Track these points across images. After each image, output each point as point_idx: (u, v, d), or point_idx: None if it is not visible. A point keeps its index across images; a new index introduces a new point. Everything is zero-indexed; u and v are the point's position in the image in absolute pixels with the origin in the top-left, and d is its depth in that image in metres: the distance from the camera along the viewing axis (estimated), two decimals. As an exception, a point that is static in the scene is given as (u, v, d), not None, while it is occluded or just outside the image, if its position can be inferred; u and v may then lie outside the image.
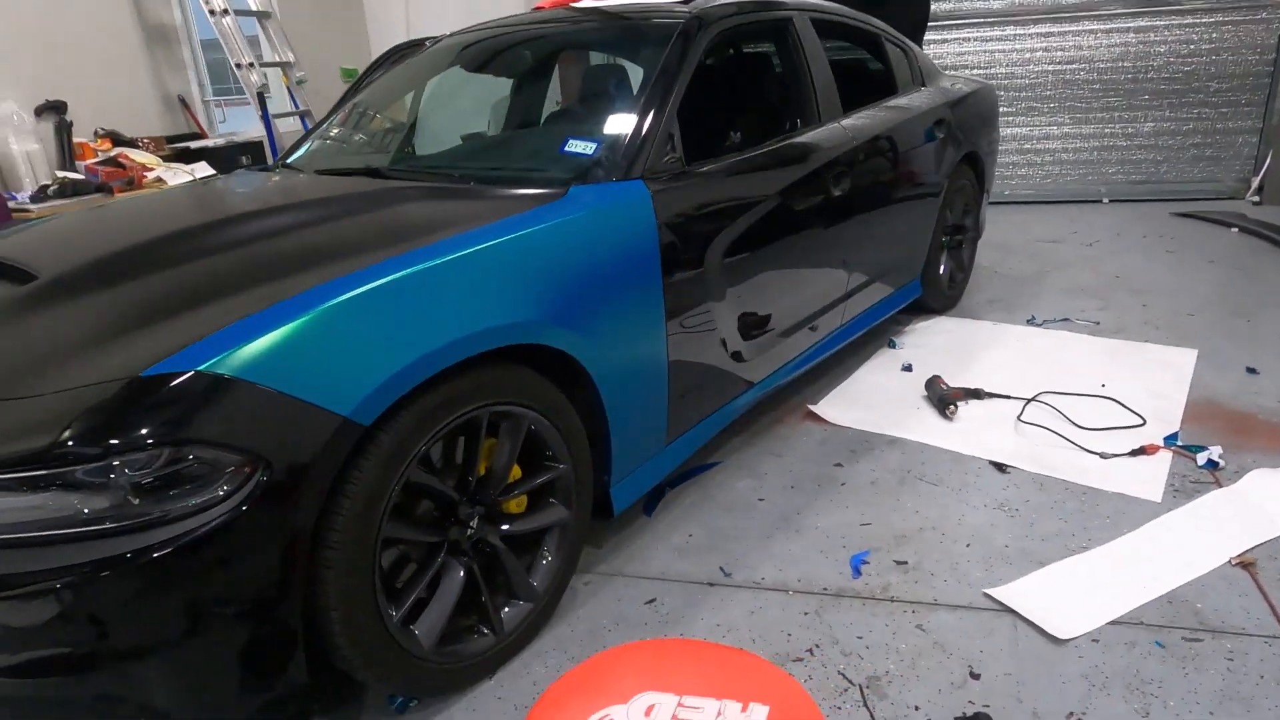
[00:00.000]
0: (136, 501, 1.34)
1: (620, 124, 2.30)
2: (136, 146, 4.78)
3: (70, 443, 1.32)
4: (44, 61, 4.47)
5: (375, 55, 7.18)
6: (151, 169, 4.60)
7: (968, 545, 2.26)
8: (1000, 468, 2.64)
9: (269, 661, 1.49)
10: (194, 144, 5.09)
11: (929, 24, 6.10)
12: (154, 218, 2.18)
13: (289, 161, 2.81)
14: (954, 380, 3.19)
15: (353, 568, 1.53)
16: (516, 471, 1.93)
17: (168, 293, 1.64)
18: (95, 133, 4.74)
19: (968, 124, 3.86)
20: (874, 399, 3.18)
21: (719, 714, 1.02)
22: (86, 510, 1.34)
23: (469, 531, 1.80)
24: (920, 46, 4.26)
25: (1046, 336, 3.72)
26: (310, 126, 5.58)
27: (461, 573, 1.79)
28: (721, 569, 2.22)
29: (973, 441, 2.80)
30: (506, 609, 1.91)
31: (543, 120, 3.16)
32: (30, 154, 4.26)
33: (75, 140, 4.61)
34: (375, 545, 1.56)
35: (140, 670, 1.40)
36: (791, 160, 2.65)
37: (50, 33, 4.50)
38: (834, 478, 2.64)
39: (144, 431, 1.33)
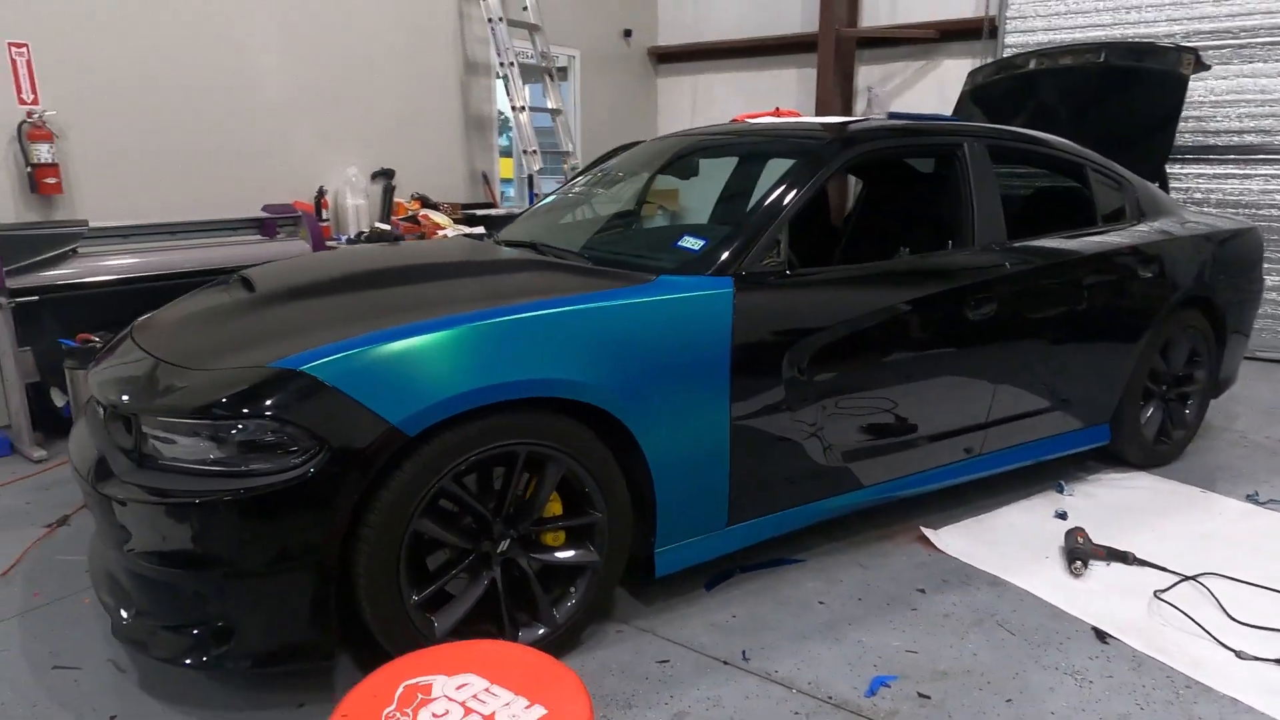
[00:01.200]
0: (240, 456, 1.85)
1: (731, 226, 2.55)
2: (437, 209, 5.89)
3: (212, 405, 1.86)
4: (385, 138, 5.73)
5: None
6: (443, 228, 5.64)
7: (1008, 701, 2.10)
8: (1101, 636, 2.38)
9: (304, 601, 1.89)
10: (479, 211, 6.13)
11: (1217, 157, 5.54)
12: (354, 261, 2.83)
13: (500, 233, 3.41)
14: (1109, 539, 2.90)
15: (381, 546, 1.91)
16: (557, 508, 2.21)
17: (322, 312, 2.19)
18: (411, 195, 5.93)
19: (1203, 265, 3.51)
20: (1003, 538, 2.99)
21: (506, 705, 1.22)
22: (211, 455, 1.87)
23: (499, 549, 2.11)
24: (1164, 178, 3.96)
25: (1258, 517, 3.20)
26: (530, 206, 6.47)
27: (485, 582, 2.10)
28: (743, 652, 2.29)
29: (1083, 603, 2.55)
30: (524, 630, 2.17)
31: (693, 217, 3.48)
32: (358, 207, 5.48)
33: (395, 200, 5.81)
34: (403, 533, 1.93)
35: (220, 580, 1.88)
36: (904, 279, 2.69)
37: (395, 117, 5.77)
38: (908, 601, 2.56)
39: (255, 407, 1.84)
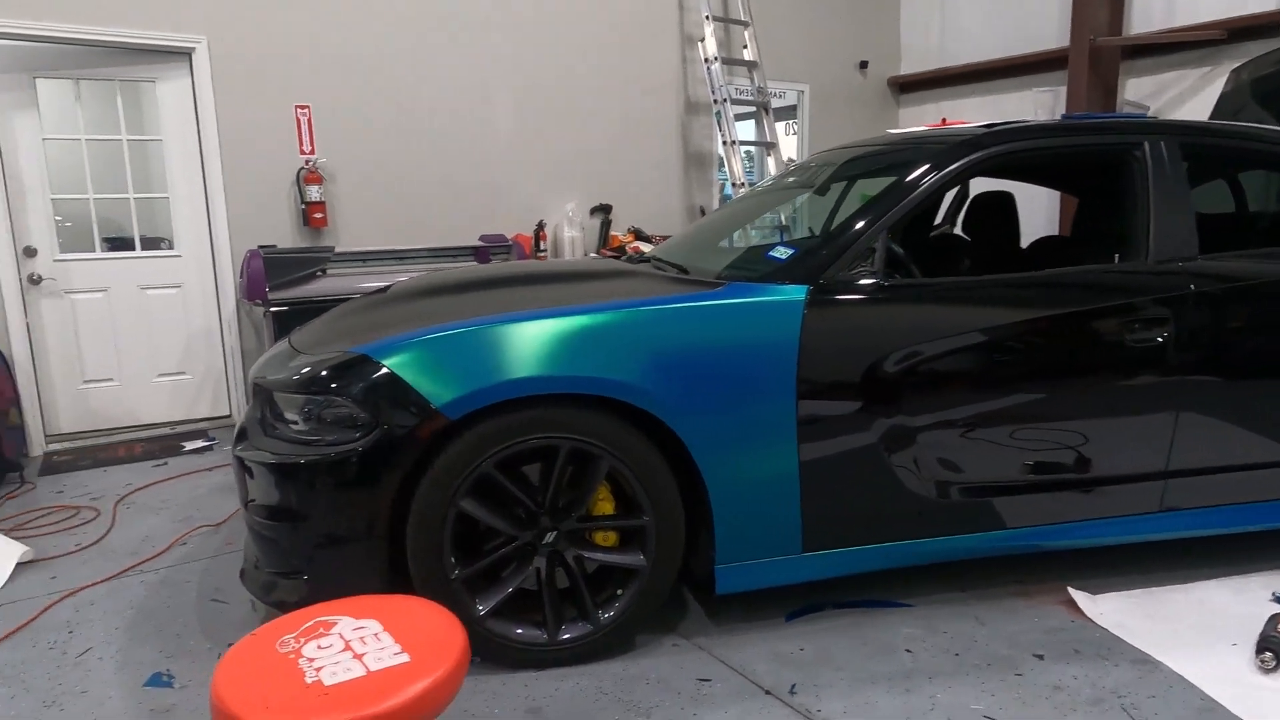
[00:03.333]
0: (317, 428, 2.13)
1: (823, 235, 2.43)
2: (650, 241, 6.19)
3: (300, 383, 2.17)
4: (603, 176, 6.15)
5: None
6: (651, 259, 5.92)
7: (1089, 793, 1.73)
8: (1263, 745, 1.87)
9: (360, 560, 2.11)
10: (693, 244, 6.34)
11: None
12: (476, 272, 3.07)
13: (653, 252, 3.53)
14: (1336, 633, 2.27)
15: (426, 520, 2.08)
16: (608, 508, 2.24)
17: (417, 312, 2.44)
18: (627, 229, 6.28)
19: None
20: (1181, 614, 2.45)
21: (381, 649, 1.28)
22: (302, 426, 2.17)
23: (544, 540, 2.19)
24: None
25: None
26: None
27: (529, 571, 2.19)
28: (792, 686, 2.12)
29: (1253, 703, 2.01)
30: (568, 624, 2.22)
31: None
32: (574, 239, 5.92)
33: (612, 233, 6.21)
34: (446, 511, 2.09)
35: (297, 533, 2.16)
36: (1041, 293, 2.36)
37: (615, 155, 6.19)
38: (1015, 665, 2.20)
39: (329, 386, 2.12)
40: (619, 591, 2.24)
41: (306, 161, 4.89)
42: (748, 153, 7.35)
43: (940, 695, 2.08)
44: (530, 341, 2.10)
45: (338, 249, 4.66)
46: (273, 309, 4.29)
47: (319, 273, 4.53)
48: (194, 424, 4.87)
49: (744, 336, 2.19)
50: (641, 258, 3.13)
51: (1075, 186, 3.44)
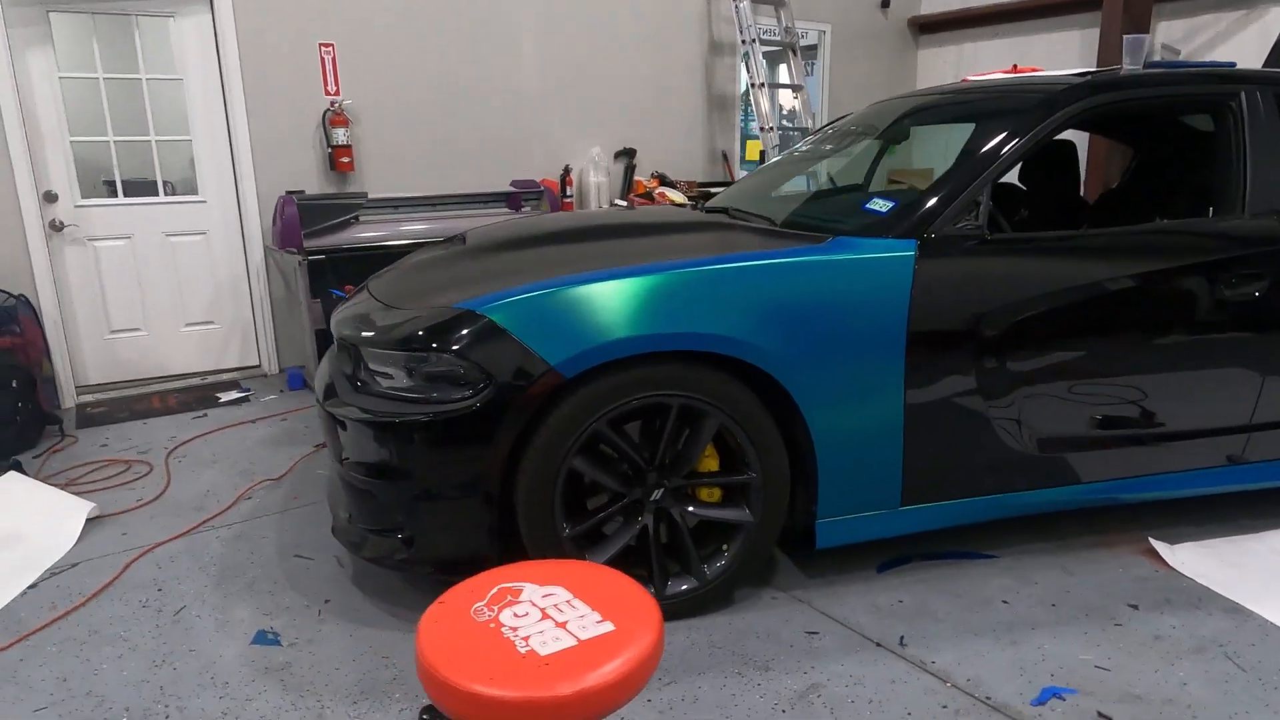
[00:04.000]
0: (423, 385, 2.08)
1: (925, 187, 2.38)
2: (674, 187, 6.08)
3: (404, 339, 2.12)
4: (629, 119, 6.01)
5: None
6: (676, 203, 5.82)
7: (1214, 740, 1.78)
8: (1369, 691, 1.93)
9: (470, 519, 2.10)
10: (715, 189, 6.22)
11: None
12: (553, 222, 3.01)
13: (709, 202, 3.46)
14: None
15: (538, 479, 2.06)
16: (714, 464, 2.23)
17: (510, 264, 2.38)
18: (651, 174, 6.16)
19: None
20: (1262, 563, 2.51)
21: (581, 616, 1.27)
22: (405, 383, 2.12)
23: (652, 497, 2.18)
24: None
25: None
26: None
27: (637, 528, 2.18)
28: (901, 638, 2.16)
29: (1353, 649, 2.07)
30: (673, 580, 2.22)
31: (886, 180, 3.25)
32: (599, 184, 5.81)
33: (635, 178, 6.08)
34: (559, 469, 2.06)
35: (403, 493, 2.13)
36: (1143, 247, 2.34)
37: (639, 98, 6.03)
38: (1112, 615, 2.25)
39: (434, 342, 2.06)
40: (723, 547, 2.25)
41: (332, 103, 4.72)
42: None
43: (1047, 646, 2.12)
44: (644, 297, 2.06)
45: (370, 195, 4.53)
46: (311, 258, 4.18)
47: (354, 219, 4.41)
48: (224, 374, 4.79)
49: (856, 291, 2.15)
50: (716, 208, 3.06)
51: (1154, 139, 3.35)
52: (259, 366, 4.88)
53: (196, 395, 4.41)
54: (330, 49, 4.71)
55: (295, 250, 4.22)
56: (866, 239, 2.25)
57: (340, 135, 4.71)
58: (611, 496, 2.19)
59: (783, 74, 6.34)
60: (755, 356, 2.09)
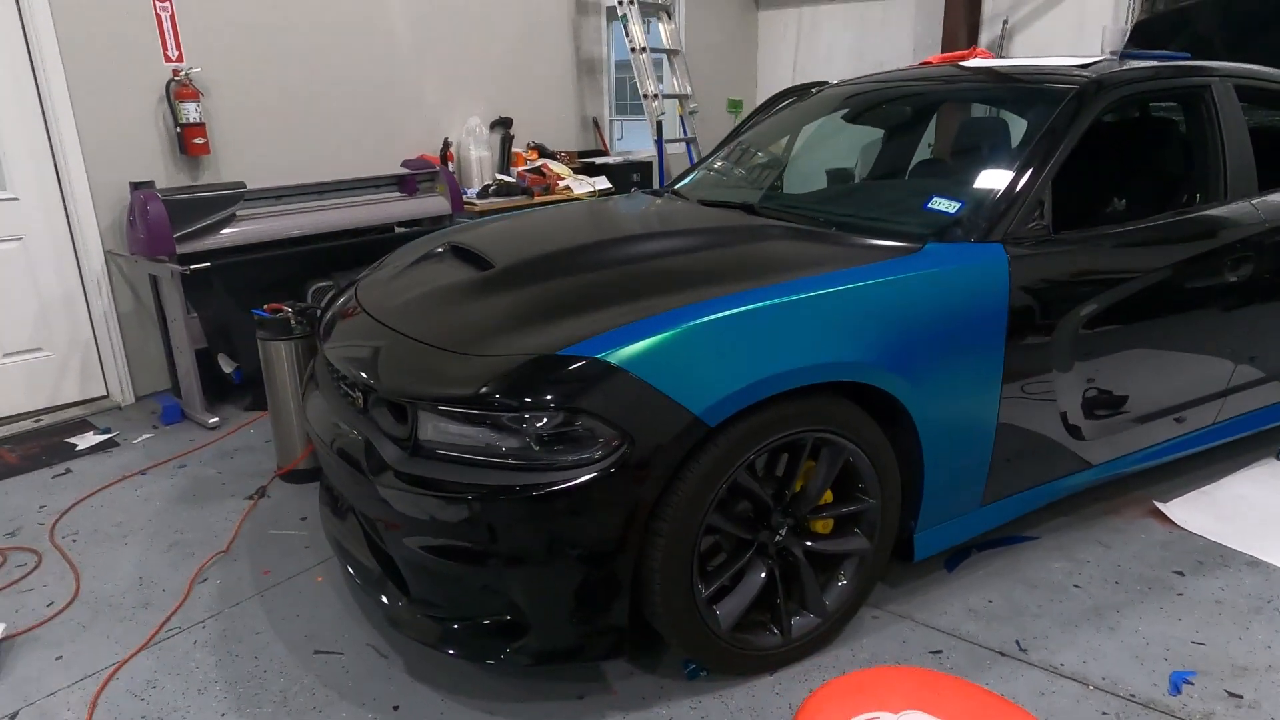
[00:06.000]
0: (536, 448, 1.75)
1: (989, 185, 2.34)
2: (555, 158, 5.71)
3: (499, 395, 1.76)
4: (502, 86, 5.53)
5: (762, 92, 7.72)
6: (563, 178, 5.47)
7: (1328, 700, 1.96)
8: (1399, 627, 2.22)
9: (599, 598, 1.82)
10: (598, 160, 5.93)
11: None
12: (573, 228, 2.69)
13: (677, 188, 3.24)
14: (1357, 513, 2.71)
15: (678, 542, 1.81)
16: (829, 496, 2.10)
17: (578, 293, 2.06)
18: (527, 144, 5.74)
19: None
20: (1239, 512, 2.81)
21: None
22: (502, 447, 1.77)
23: (777, 538, 2.01)
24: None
25: None
26: (696, 156, 6.21)
27: (763, 573, 2.01)
28: (1017, 642, 2.17)
29: (1366, 588, 2.37)
30: (797, 618, 2.08)
31: (909, 172, 3.26)
32: (481, 159, 5.32)
33: (513, 150, 5.64)
34: (699, 528, 1.83)
35: (511, 575, 1.80)
36: (1172, 239, 2.47)
37: (510, 64, 5.56)
38: (1169, 585, 2.42)
39: (550, 396, 1.73)
40: (838, 577, 2.13)
41: (175, 71, 3.89)
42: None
43: (1141, 628, 2.23)
44: (781, 327, 1.85)
45: (249, 186, 3.80)
46: (193, 267, 3.45)
47: (230, 216, 3.69)
48: (64, 411, 3.88)
49: (961, 302, 2.08)
50: (721, 203, 2.85)
51: (1149, 130, 3.47)
52: (106, 397, 4.02)
53: (42, 445, 3.54)
54: (168, 4, 3.86)
55: (166, 257, 3.47)
56: (956, 244, 2.18)
57: (191, 111, 3.90)
58: (735, 543, 1.99)
59: (656, 38, 6.12)
60: (880, 379, 1.97)
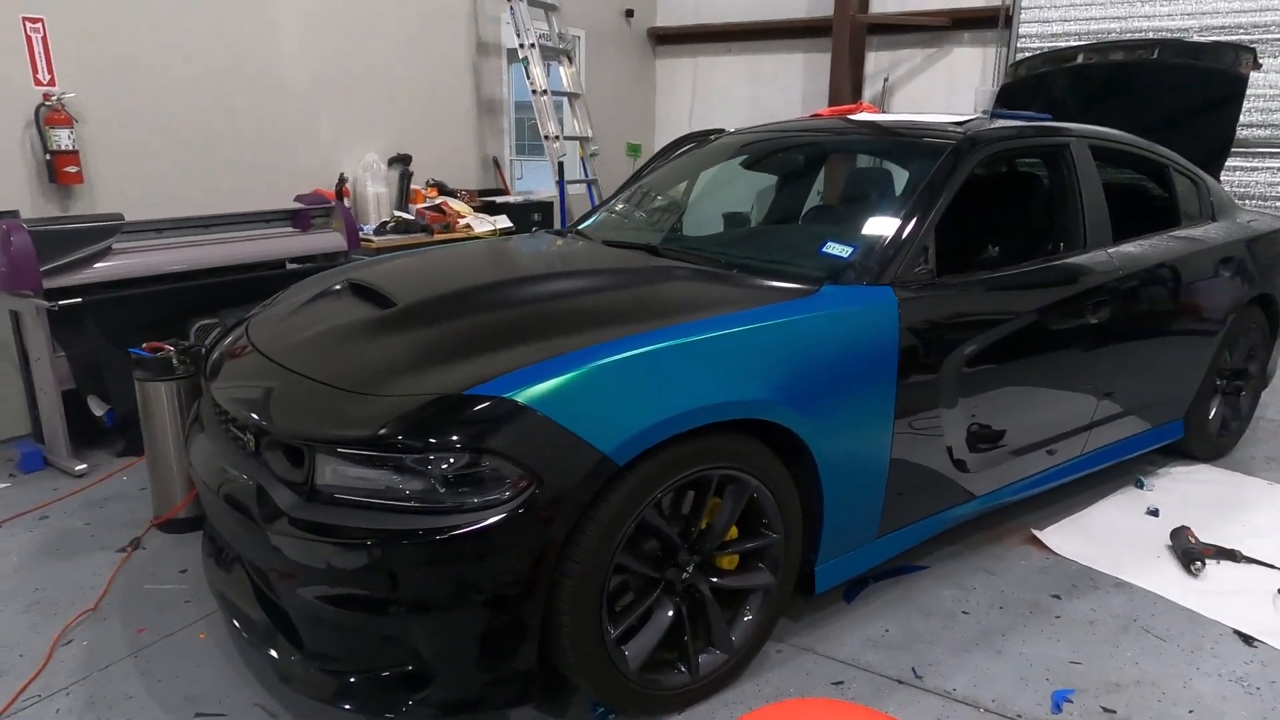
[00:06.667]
0: (441, 490, 1.71)
1: (879, 232, 2.48)
2: (455, 196, 5.66)
3: (403, 435, 1.71)
4: (400, 123, 5.47)
5: (660, 137, 7.91)
6: (463, 216, 5.42)
7: (1190, 712, 2.12)
8: (1246, 639, 2.42)
9: (507, 643, 1.78)
10: (498, 199, 5.91)
11: (1244, 151, 5.68)
12: (477, 266, 2.67)
13: (581, 229, 3.27)
14: (1206, 535, 2.95)
15: (587, 583, 1.80)
16: (734, 532, 2.13)
17: (484, 332, 2.04)
18: (427, 182, 5.67)
19: (1262, 263, 3.59)
20: (1106, 537, 3.02)
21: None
22: (405, 489, 1.73)
23: (684, 575, 2.02)
24: (1218, 176, 4.03)
25: (1333, 509, 3.31)
26: (598, 197, 6.28)
27: (670, 611, 2.01)
28: (913, 670, 2.25)
29: (1216, 605, 2.58)
30: (704, 655, 2.09)
31: (802, 217, 3.40)
32: (379, 196, 5.22)
33: (413, 187, 5.56)
34: (608, 568, 1.83)
35: (415, 623, 1.75)
36: (1043, 284, 2.67)
37: (409, 102, 5.51)
38: (1048, 608, 2.56)
39: (455, 437, 1.70)
40: (743, 613, 2.16)
41: (46, 96, 3.67)
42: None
43: (1024, 650, 2.35)
44: (679, 367, 1.89)
45: (128, 218, 3.59)
46: (62, 303, 3.22)
47: (107, 249, 3.48)
48: (-97, 460, 3.52)
49: (856, 341, 2.18)
50: (625, 244, 2.89)
51: (1013, 184, 3.71)
52: (-47, 443, 3.67)
53: (-124, 496, 3.20)
54: (39, 24, 3.65)
55: (30, 291, 3.23)
56: (850, 287, 2.29)
57: (63, 138, 3.69)
58: (643, 582, 1.99)
59: (555, 81, 6.19)
60: (783, 417, 2.03)
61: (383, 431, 1.73)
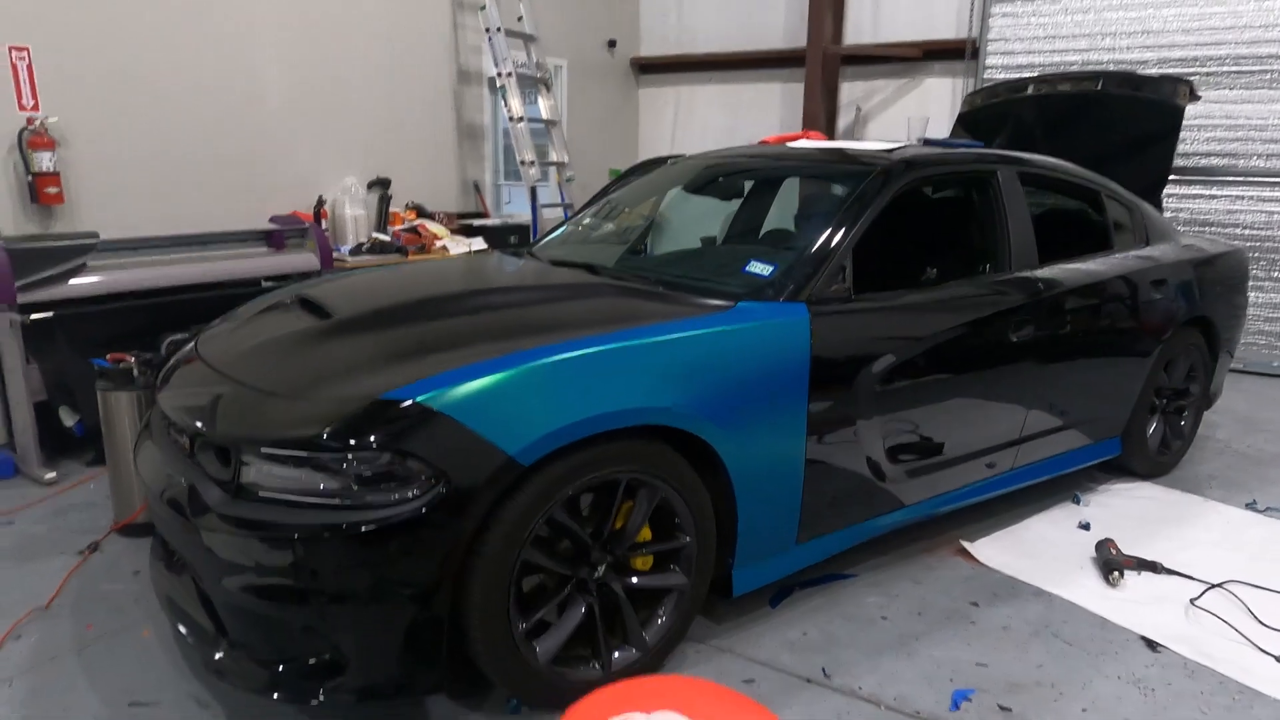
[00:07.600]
0: (356, 488, 1.83)
1: (798, 251, 2.61)
2: (433, 219, 5.83)
3: (324, 437, 1.84)
4: (380, 148, 5.66)
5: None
6: (440, 239, 5.58)
7: (1083, 710, 2.21)
8: (1151, 645, 2.51)
9: (418, 634, 1.89)
10: (476, 222, 6.08)
11: (1185, 179, 5.83)
12: (421, 282, 2.80)
13: (533, 250, 3.41)
14: (1132, 549, 3.05)
15: (494, 578, 1.91)
16: (647, 533, 2.24)
17: (413, 341, 2.17)
18: (406, 205, 5.85)
19: (1200, 286, 3.70)
20: (1037, 549, 3.12)
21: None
22: (323, 487, 1.84)
23: (596, 574, 2.13)
24: (1159, 204, 4.16)
25: (1263, 525, 3.40)
26: (561, 221, 6.45)
27: (583, 608, 2.12)
28: (824, 669, 2.35)
29: (1128, 612, 2.68)
30: (618, 652, 2.19)
31: (739, 238, 3.54)
32: (357, 218, 5.39)
33: (391, 209, 5.73)
34: (515, 564, 1.94)
35: (333, 614, 1.86)
36: (960, 303, 2.79)
37: (390, 125, 5.70)
38: (966, 615, 2.66)
39: (372, 438, 1.82)
40: (658, 613, 2.26)
41: (30, 120, 3.84)
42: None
43: (935, 653, 2.44)
44: (597, 373, 2.01)
45: (103, 237, 3.75)
46: (33, 316, 3.36)
47: (81, 266, 3.62)
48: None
49: (769, 354, 2.30)
50: (565, 262, 3.03)
51: (940, 207, 3.88)
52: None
53: None
54: (24, 53, 3.83)
55: (5, 305, 3.37)
56: (764, 303, 2.41)
57: (45, 160, 3.86)
58: (557, 580, 2.10)
59: (532, 108, 6.38)
60: (692, 425, 2.15)
61: (305, 433, 1.86)
